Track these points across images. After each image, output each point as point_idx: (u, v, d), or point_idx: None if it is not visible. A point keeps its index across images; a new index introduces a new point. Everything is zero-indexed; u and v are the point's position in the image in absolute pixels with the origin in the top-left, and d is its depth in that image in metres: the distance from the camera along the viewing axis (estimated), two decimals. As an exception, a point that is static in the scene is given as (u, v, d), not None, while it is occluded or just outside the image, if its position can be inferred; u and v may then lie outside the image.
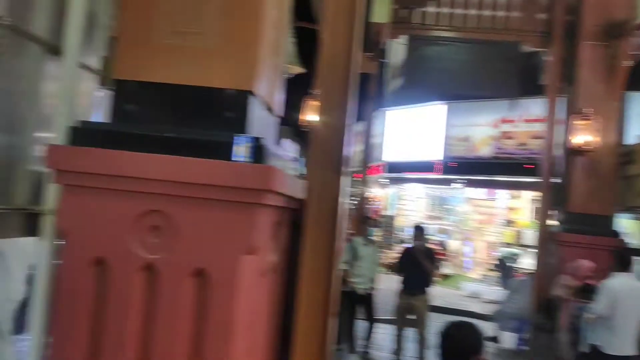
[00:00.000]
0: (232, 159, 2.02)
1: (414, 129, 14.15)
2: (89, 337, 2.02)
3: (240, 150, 2.04)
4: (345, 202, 2.80)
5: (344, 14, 2.74)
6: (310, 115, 7.46)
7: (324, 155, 2.75)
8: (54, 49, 2.44)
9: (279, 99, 2.68)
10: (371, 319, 6.90)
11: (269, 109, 2.53)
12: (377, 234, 11.48)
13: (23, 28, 2.31)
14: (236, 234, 2.02)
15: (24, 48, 2.36)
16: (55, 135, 2.28)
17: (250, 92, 2.19)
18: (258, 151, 2.05)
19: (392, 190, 16.42)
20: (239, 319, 2.00)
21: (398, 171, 14.90)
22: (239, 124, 2.18)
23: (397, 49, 12.65)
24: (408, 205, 16.12)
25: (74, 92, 2.35)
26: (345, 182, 2.77)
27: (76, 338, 2.03)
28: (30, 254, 4.21)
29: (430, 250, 6.89)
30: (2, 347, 3.97)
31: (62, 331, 2.04)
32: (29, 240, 4.08)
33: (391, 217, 15.94)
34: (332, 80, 2.78)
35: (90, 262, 2.04)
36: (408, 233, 14.53)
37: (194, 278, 2.01)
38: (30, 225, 2.34)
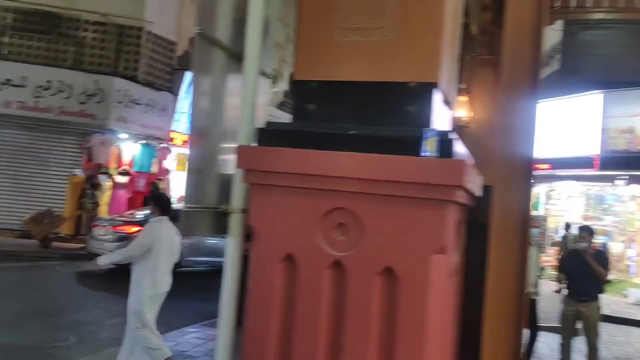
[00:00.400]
0: (421, 154, 1.94)
1: (565, 122, 13.06)
2: (280, 331, 2.06)
3: (428, 144, 1.95)
4: (531, 207, 2.59)
5: (530, 5, 2.55)
6: (458, 111, 7.16)
7: (508, 156, 2.57)
8: (236, 55, 2.53)
9: (455, 91, 2.56)
10: (534, 326, 6.44)
11: (447, 102, 2.41)
12: (537, 236, 10.75)
13: (211, 36, 2.42)
14: (426, 233, 1.93)
15: (211, 55, 2.48)
16: (241, 137, 2.36)
17: (434, 84, 2.10)
18: (445, 145, 1.95)
19: (540, 188, 15.34)
20: (431, 321, 1.91)
21: (546, 168, 13.85)
22: (423, 118, 2.10)
23: (547, 36, 11.79)
24: (559, 205, 14.97)
25: (256, 95, 2.43)
26: (531, 185, 2.57)
27: (269, 331, 2.07)
28: (175, 250, 4.54)
29: (600, 252, 6.28)
30: (147, 337, 4.29)
31: (256, 324, 2.10)
32: (175, 238, 4.40)
33: (543, 218, 14.91)
34: (518, 78, 2.59)
35: (280, 259, 2.08)
36: (560, 235, 13.51)
37: (383, 277, 1.96)
38: (219, 223, 2.45)
